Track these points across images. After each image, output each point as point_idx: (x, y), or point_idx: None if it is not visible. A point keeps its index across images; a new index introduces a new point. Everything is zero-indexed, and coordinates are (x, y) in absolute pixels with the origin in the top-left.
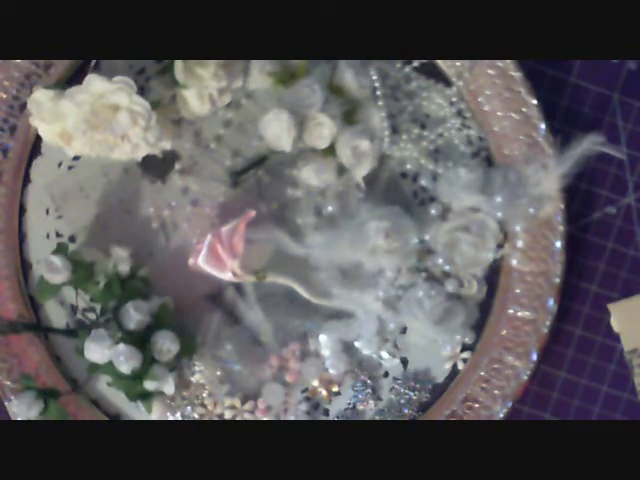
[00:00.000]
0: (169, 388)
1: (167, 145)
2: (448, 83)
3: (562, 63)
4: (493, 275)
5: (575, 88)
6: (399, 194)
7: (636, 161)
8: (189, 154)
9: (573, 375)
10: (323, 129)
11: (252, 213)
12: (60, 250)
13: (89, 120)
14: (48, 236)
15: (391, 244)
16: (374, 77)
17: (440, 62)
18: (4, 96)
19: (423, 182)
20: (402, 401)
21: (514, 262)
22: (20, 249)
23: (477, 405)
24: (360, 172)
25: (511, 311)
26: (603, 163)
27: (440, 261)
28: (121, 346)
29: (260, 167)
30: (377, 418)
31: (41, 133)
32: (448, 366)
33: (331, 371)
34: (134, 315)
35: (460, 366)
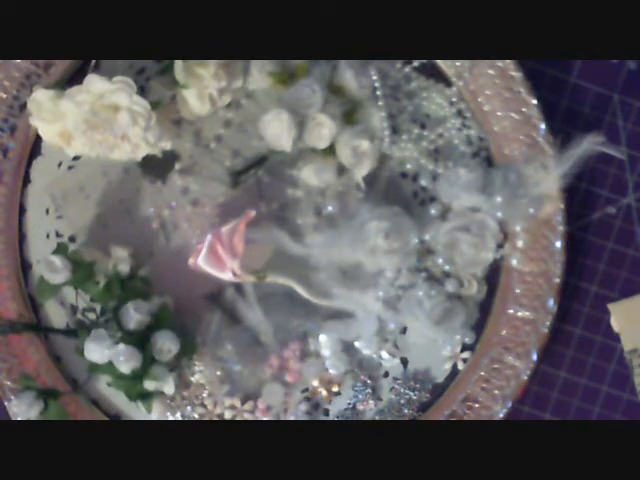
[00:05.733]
0: (169, 388)
1: (167, 145)
2: (448, 83)
3: (562, 63)
4: (493, 275)
5: (575, 88)
6: (399, 194)
7: (636, 161)
8: (189, 154)
9: (573, 375)
10: (323, 129)
11: (252, 213)
12: (60, 250)
13: (89, 120)
14: (48, 236)
15: (391, 244)
16: (374, 77)
17: (440, 62)
18: (4, 96)
19: (423, 182)
20: (402, 401)
21: (514, 262)
22: (20, 249)
23: (477, 405)
24: (360, 172)
25: (511, 311)
26: (603, 163)
27: (440, 261)
28: (121, 346)
29: (260, 167)
30: (377, 418)
31: (41, 133)
32: (448, 366)
33: (331, 371)
34: (134, 315)
35: (460, 366)
